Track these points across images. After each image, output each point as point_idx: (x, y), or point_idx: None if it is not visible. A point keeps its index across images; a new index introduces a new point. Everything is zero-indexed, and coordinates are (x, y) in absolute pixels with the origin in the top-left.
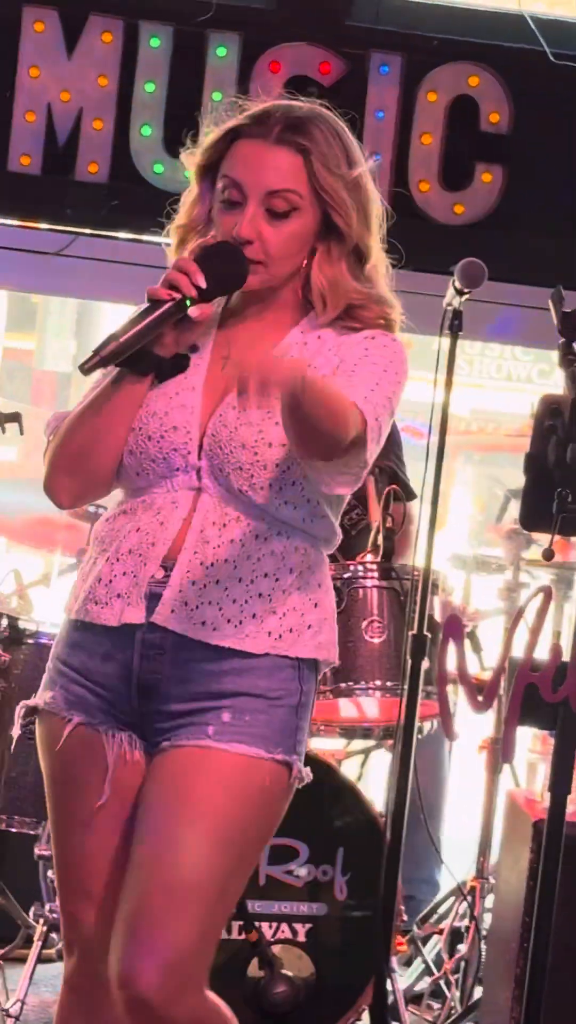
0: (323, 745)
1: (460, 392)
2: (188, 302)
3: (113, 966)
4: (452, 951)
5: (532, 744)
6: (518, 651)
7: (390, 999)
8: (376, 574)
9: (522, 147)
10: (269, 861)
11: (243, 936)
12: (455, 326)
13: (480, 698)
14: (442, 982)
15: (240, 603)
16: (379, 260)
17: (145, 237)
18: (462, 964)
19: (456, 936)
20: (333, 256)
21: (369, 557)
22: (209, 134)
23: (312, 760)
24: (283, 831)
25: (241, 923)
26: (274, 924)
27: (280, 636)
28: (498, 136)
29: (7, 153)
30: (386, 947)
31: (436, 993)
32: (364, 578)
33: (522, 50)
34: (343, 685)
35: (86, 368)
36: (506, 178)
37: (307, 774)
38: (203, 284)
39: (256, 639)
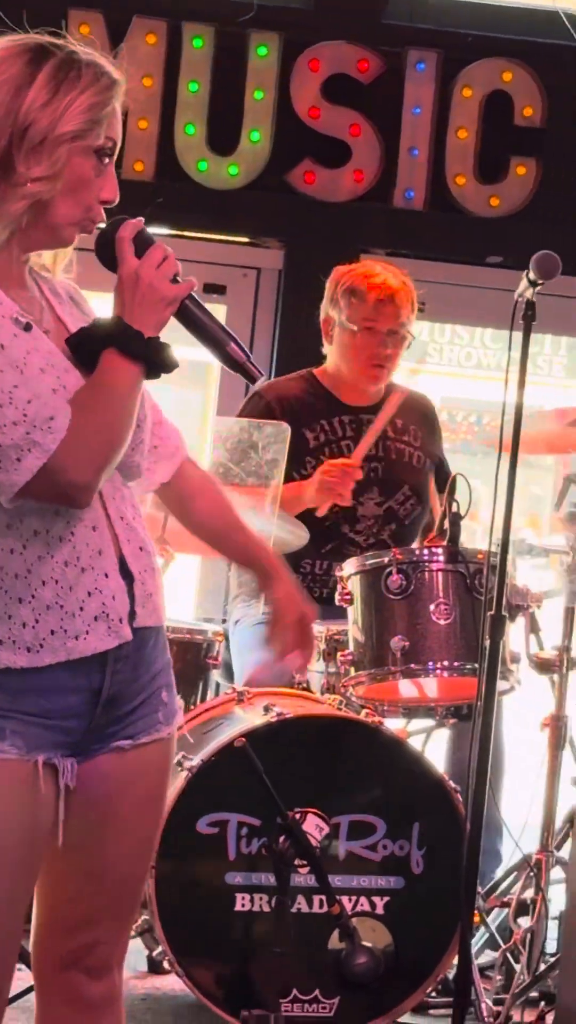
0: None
1: (434, 380)
2: None
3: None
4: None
5: None
6: None
7: None
8: (442, 558)
9: (556, 140)
10: (348, 837)
11: (325, 910)
12: (529, 316)
13: None
14: (509, 953)
15: (156, 575)
16: None
17: (188, 233)
18: (528, 936)
19: (521, 908)
20: None
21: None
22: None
23: (385, 737)
24: (362, 808)
25: (323, 897)
26: (353, 898)
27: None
28: (532, 130)
29: None
30: (469, 918)
31: (493, 965)
32: (431, 562)
33: (555, 45)
34: (413, 666)
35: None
36: (540, 171)
37: None
38: None
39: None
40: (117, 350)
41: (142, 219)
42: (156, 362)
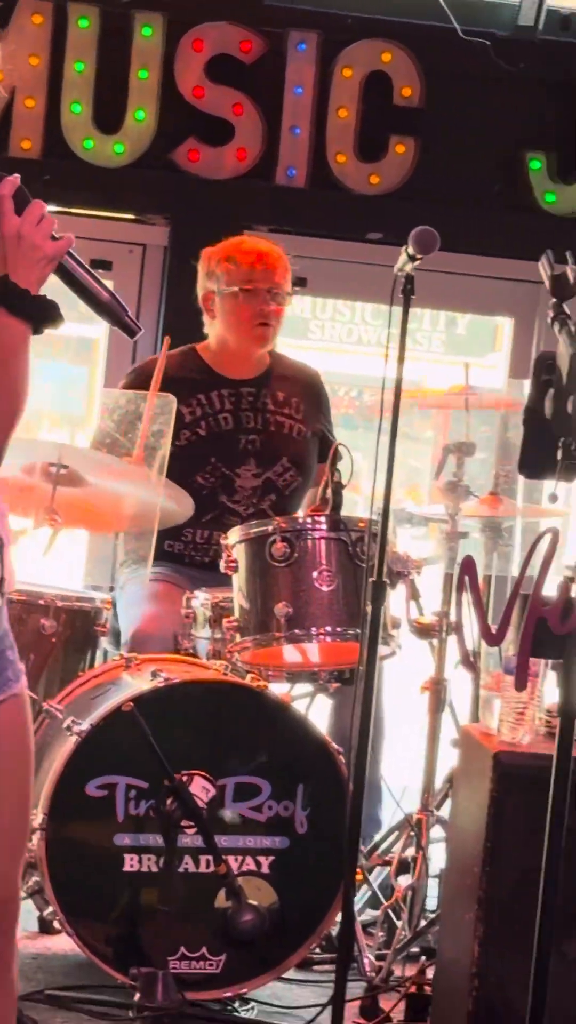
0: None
1: (316, 356)
2: None
3: None
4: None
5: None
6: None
7: None
8: (325, 526)
9: (434, 120)
10: (234, 798)
11: (211, 870)
12: (408, 290)
13: (494, 631)
14: (390, 910)
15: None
16: None
17: (75, 210)
18: (409, 893)
19: (402, 867)
20: None
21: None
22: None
23: (270, 700)
24: (247, 770)
25: (210, 857)
26: (239, 858)
27: None
28: (410, 109)
29: None
30: (352, 876)
31: (376, 922)
32: (313, 530)
33: (432, 27)
34: (297, 632)
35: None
36: (418, 149)
37: None
38: None
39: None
40: (7, 309)
41: (18, 176)
42: (44, 319)
